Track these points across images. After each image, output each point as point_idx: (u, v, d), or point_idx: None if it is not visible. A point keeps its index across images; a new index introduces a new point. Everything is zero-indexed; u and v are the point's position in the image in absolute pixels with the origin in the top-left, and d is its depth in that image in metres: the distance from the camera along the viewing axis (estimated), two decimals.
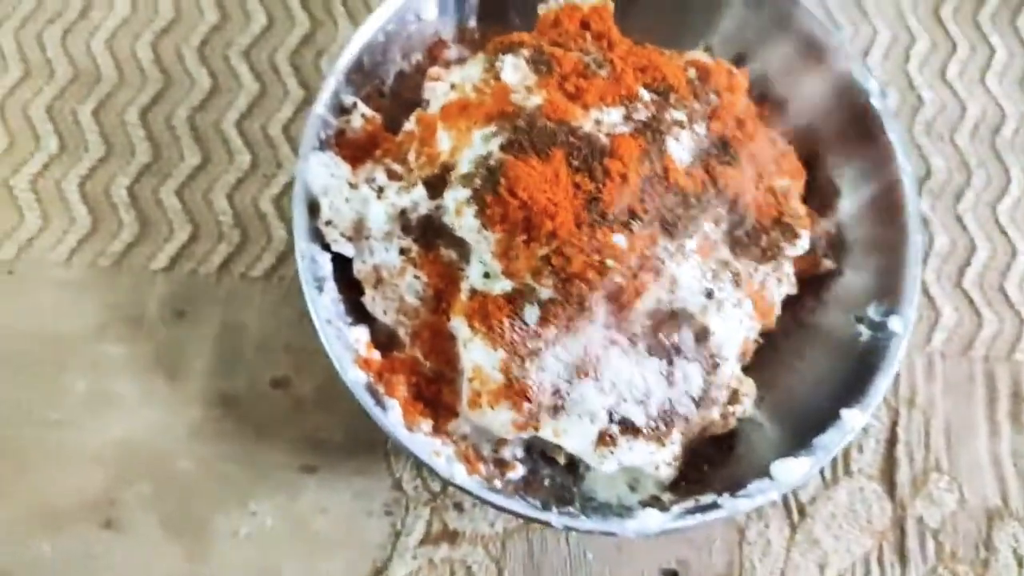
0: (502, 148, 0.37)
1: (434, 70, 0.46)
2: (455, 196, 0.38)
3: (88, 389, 0.47)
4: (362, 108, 0.44)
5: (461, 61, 0.47)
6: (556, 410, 0.40)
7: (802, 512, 0.48)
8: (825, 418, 0.43)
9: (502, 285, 0.40)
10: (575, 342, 0.39)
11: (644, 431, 0.41)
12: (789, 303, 0.46)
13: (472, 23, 0.48)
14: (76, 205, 0.49)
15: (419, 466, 0.47)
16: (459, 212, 0.38)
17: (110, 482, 0.45)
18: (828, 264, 0.47)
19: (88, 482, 0.45)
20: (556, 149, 0.37)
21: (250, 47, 0.52)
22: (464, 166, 0.39)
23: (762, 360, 0.46)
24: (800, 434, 0.43)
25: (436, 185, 0.40)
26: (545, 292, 0.39)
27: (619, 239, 0.38)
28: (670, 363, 0.41)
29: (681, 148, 0.40)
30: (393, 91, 0.47)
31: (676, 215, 0.39)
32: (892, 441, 0.49)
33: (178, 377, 0.47)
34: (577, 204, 0.37)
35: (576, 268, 0.37)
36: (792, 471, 0.41)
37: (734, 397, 0.44)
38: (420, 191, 0.41)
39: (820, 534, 0.47)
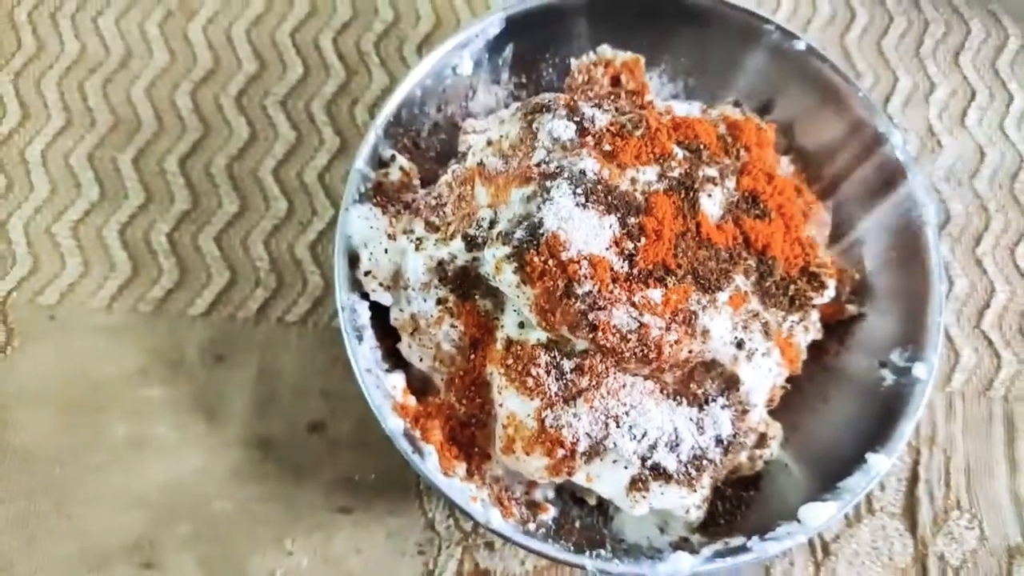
0: (542, 209, 0.38)
1: (469, 122, 0.47)
2: (494, 253, 0.39)
3: (129, 432, 0.48)
4: (400, 160, 0.46)
5: (493, 113, 0.48)
6: (590, 456, 0.41)
7: (826, 550, 0.49)
8: (850, 461, 0.44)
9: (537, 335, 0.41)
10: (609, 391, 0.41)
11: (675, 476, 0.42)
12: (814, 347, 0.47)
13: (505, 76, 0.49)
14: (116, 252, 0.50)
15: (451, 506, 0.48)
16: (499, 268, 0.39)
17: (150, 523, 0.47)
18: (852, 310, 0.48)
19: (129, 523, 0.47)
20: (594, 209, 0.38)
21: (287, 96, 0.53)
22: (503, 224, 0.40)
23: (788, 403, 0.47)
24: (825, 476, 0.44)
25: (474, 239, 0.42)
26: (581, 344, 0.40)
27: (654, 294, 0.39)
28: (701, 411, 0.42)
29: (713, 203, 0.41)
30: (428, 142, 0.48)
31: (709, 269, 0.40)
32: (913, 480, 0.50)
33: (217, 420, 0.48)
34: (614, 261, 0.38)
35: (613, 322, 0.38)
36: (819, 514, 0.42)
37: (761, 441, 0.45)
38: (458, 244, 0.42)
39: (843, 572, 0.48)
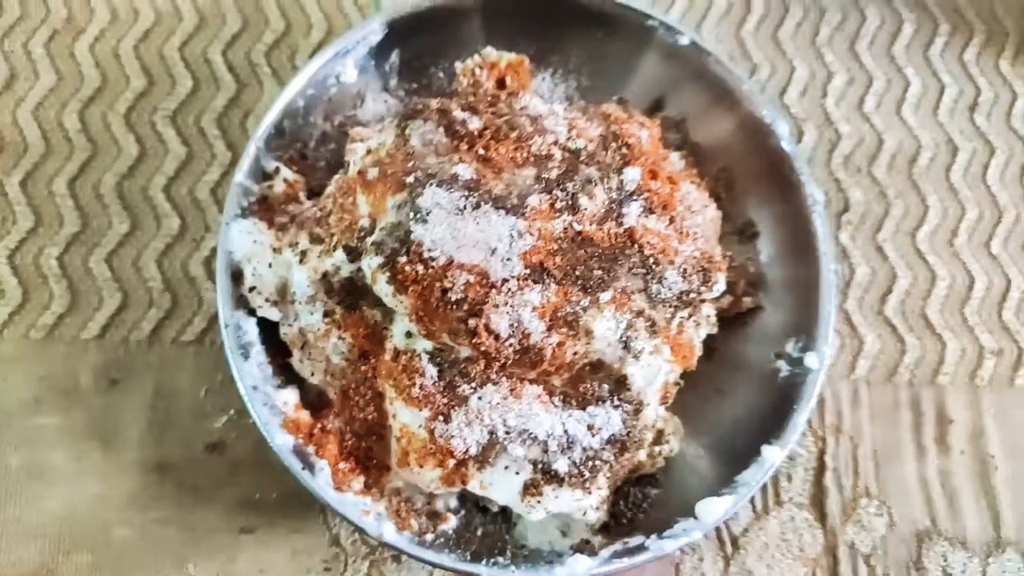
0: (413, 217, 0.38)
1: (356, 131, 0.47)
2: (369, 263, 0.39)
3: (23, 462, 0.47)
4: (284, 172, 0.45)
5: (382, 121, 0.48)
6: (481, 464, 0.41)
7: (735, 544, 0.49)
8: (748, 453, 0.44)
9: (423, 344, 0.41)
10: (496, 398, 0.40)
11: (568, 479, 0.41)
12: (711, 341, 0.47)
13: (394, 82, 0.49)
14: (6, 278, 0.49)
15: None
16: (374, 279, 0.39)
17: (48, 554, 0.46)
18: (748, 303, 0.48)
19: (26, 555, 0.46)
20: (467, 213, 0.38)
21: (176, 111, 0.52)
22: (377, 233, 0.39)
23: (687, 398, 0.47)
24: (727, 470, 0.44)
25: (355, 249, 0.41)
26: (464, 351, 0.40)
27: (533, 297, 0.38)
28: (591, 412, 0.42)
29: (594, 204, 0.41)
30: (316, 153, 0.48)
31: (590, 269, 0.40)
32: (820, 469, 0.50)
33: (113, 446, 0.47)
34: (490, 265, 0.38)
35: (492, 327, 0.38)
36: (714, 509, 0.42)
37: (659, 437, 0.45)
38: (340, 255, 0.42)
39: (753, 565, 0.48)
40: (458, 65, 0.47)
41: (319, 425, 0.43)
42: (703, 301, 0.44)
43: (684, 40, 0.48)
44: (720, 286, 0.44)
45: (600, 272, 0.41)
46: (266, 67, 0.53)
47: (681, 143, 0.50)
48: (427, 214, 0.38)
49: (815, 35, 0.58)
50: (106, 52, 0.53)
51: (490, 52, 0.47)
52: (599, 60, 0.51)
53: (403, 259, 0.38)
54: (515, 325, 0.38)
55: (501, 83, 0.47)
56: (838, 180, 0.55)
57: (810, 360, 0.45)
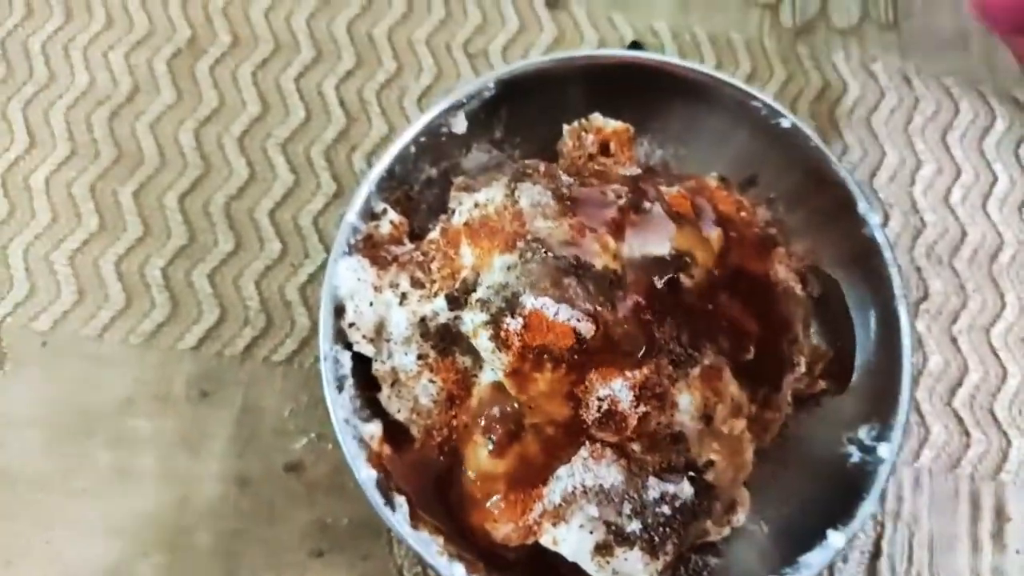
0: (520, 278, 0.40)
1: (460, 180, 0.48)
2: (473, 318, 0.41)
3: (112, 461, 0.49)
4: (391, 215, 0.47)
5: (486, 171, 0.50)
6: (556, 520, 0.42)
7: None
8: (812, 534, 0.45)
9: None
10: (577, 458, 0.42)
11: (640, 543, 0.43)
12: (785, 419, 0.48)
13: (499, 135, 0.51)
14: (111, 283, 0.52)
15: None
16: (475, 333, 0.40)
17: (127, 552, 0.48)
18: (823, 386, 0.49)
19: (107, 550, 0.48)
20: (569, 283, 0.40)
21: (287, 140, 0.54)
22: (482, 291, 0.41)
23: (755, 473, 0.48)
24: (788, 548, 0.45)
25: (456, 299, 0.43)
26: None
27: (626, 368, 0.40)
28: (666, 480, 0.43)
29: (691, 281, 0.42)
30: (420, 196, 0.49)
31: (682, 344, 0.42)
32: (876, 554, 0.51)
33: (199, 455, 0.49)
34: (587, 332, 0.40)
35: (583, 393, 0.40)
36: None
37: (730, 507, 0.46)
38: (440, 302, 0.43)
39: None
40: (565, 127, 0.49)
41: (400, 460, 0.45)
42: (785, 383, 0.46)
43: (786, 123, 0.49)
44: (802, 369, 0.46)
45: (691, 348, 0.42)
46: (376, 106, 0.55)
47: (770, 221, 0.51)
48: (535, 280, 0.40)
49: (908, 122, 0.59)
50: (225, 75, 0.55)
51: (596, 118, 0.49)
52: (697, 131, 0.52)
53: (508, 321, 0.39)
54: (605, 391, 0.40)
55: (605, 148, 0.49)
56: (919, 268, 0.56)
57: (883, 450, 0.45)
